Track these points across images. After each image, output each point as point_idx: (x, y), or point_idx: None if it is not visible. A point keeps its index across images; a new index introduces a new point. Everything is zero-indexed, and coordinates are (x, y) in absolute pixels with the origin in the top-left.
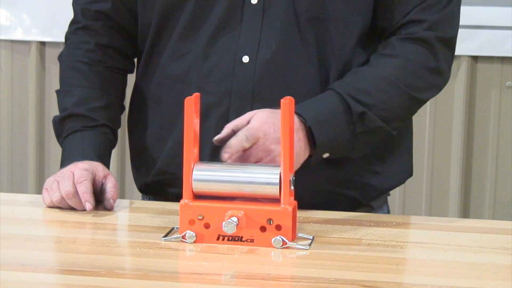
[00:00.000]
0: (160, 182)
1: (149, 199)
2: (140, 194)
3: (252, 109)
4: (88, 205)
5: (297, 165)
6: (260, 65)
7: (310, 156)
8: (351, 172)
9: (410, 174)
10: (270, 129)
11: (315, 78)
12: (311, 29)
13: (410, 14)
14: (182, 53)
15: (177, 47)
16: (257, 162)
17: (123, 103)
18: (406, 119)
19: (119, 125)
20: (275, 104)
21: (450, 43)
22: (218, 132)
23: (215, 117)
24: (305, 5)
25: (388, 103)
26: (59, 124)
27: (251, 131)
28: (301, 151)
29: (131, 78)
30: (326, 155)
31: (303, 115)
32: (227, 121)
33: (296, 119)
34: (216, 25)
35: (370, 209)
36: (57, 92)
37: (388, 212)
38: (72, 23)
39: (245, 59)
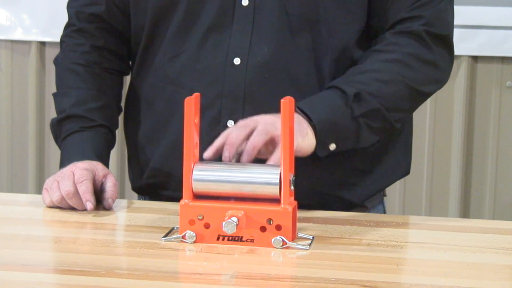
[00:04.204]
0: (153, 184)
1: (145, 199)
2: None
3: (243, 111)
4: (89, 205)
5: (309, 148)
6: (251, 67)
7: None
8: (343, 173)
9: (406, 172)
10: (267, 118)
11: (308, 80)
12: (303, 32)
13: (403, 12)
14: (174, 54)
15: (169, 49)
16: (259, 148)
17: (120, 104)
18: (407, 111)
19: (117, 126)
20: (266, 106)
21: (444, 40)
22: (211, 134)
23: (207, 119)
24: (297, 7)
25: (383, 91)
26: (57, 126)
27: (245, 121)
28: (304, 131)
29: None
30: (332, 146)
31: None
32: (219, 123)
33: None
34: (207, 27)
35: (364, 209)
36: (54, 95)
37: (384, 212)
38: (67, 26)
39: (237, 61)
